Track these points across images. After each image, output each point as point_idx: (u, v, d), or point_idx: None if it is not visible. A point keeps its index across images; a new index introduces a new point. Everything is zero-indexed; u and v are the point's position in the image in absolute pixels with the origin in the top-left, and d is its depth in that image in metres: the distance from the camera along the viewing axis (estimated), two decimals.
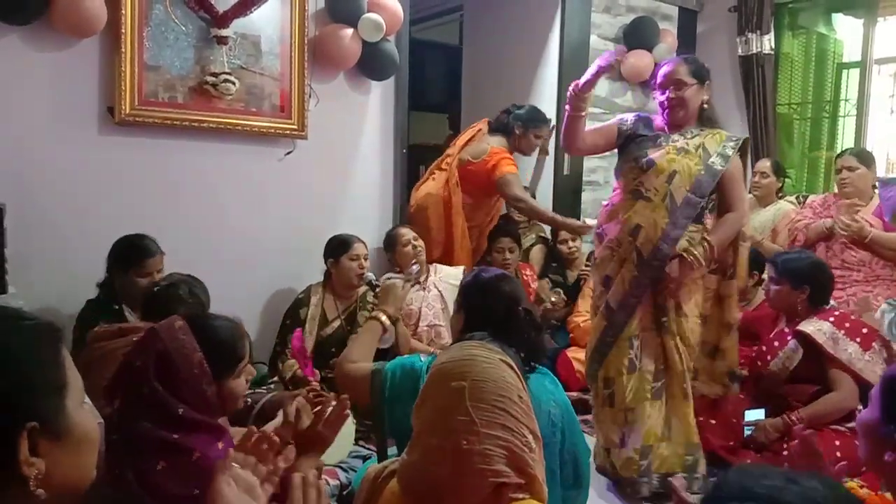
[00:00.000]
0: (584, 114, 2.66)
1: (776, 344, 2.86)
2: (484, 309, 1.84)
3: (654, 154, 2.65)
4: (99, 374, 1.74)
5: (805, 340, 2.73)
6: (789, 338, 2.82)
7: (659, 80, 2.71)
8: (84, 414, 0.92)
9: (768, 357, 2.86)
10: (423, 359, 1.82)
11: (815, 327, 2.72)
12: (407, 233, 3.65)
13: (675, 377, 2.66)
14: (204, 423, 1.48)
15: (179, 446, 1.42)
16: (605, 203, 2.89)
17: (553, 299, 4.03)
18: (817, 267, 2.87)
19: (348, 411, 1.78)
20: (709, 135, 2.69)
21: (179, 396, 1.46)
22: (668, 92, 2.67)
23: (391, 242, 3.65)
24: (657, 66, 2.82)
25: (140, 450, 1.41)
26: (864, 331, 2.74)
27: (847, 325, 2.72)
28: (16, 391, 0.83)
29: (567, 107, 2.65)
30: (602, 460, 2.75)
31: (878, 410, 1.30)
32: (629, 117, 2.82)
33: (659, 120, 2.76)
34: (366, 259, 3.31)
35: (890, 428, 1.24)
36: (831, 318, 2.74)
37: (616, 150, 2.84)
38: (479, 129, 3.99)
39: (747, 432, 2.75)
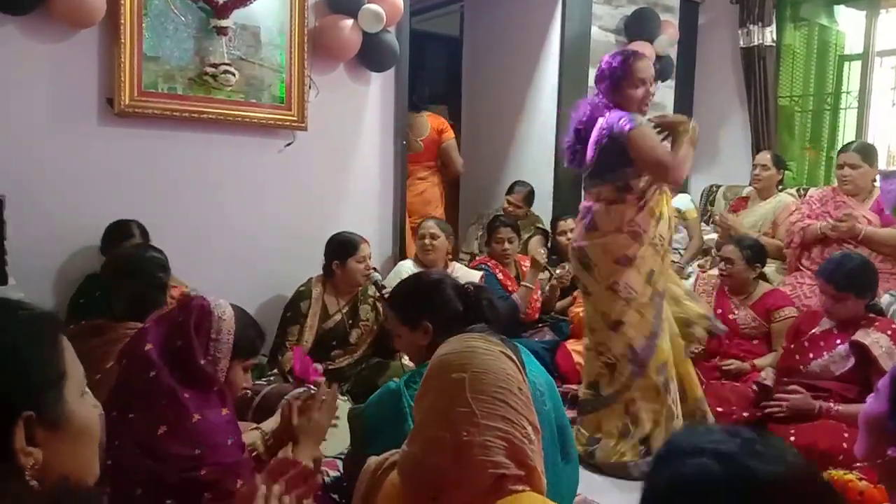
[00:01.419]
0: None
1: (822, 344, 2.78)
2: (448, 311, 1.84)
3: None
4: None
5: (860, 350, 2.66)
6: (838, 342, 2.74)
7: (640, 74, 2.72)
8: (84, 405, 0.91)
9: (810, 355, 2.79)
10: (395, 381, 1.83)
11: (872, 339, 2.63)
12: (427, 227, 3.70)
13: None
14: (215, 382, 1.60)
15: (180, 408, 1.51)
16: (608, 199, 2.75)
17: (558, 272, 4.00)
18: (870, 268, 2.79)
19: (345, 400, 1.80)
20: None
21: (204, 349, 1.60)
22: (648, 87, 2.74)
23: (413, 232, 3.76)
24: (621, 57, 2.77)
25: (141, 418, 1.49)
26: None
27: None
28: (12, 380, 0.82)
29: (687, 146, 2.66)
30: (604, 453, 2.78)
31: (886, 404, 1.29)
32: (625, 122, 2.70)
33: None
34: (370, 258, 3.29)
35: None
36: (889, 331, 2.65)
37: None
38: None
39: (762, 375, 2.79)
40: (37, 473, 0.83)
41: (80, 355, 0.94)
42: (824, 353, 2.76)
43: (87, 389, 0.95)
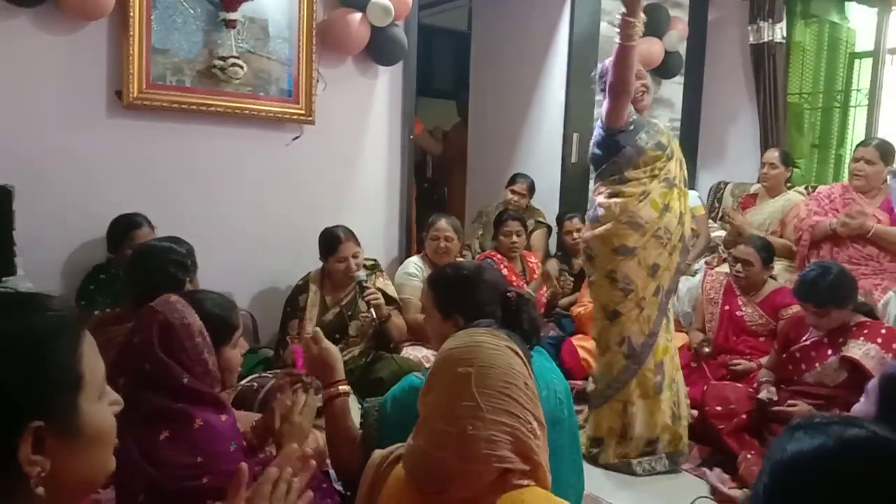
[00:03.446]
0: (635, 43, 2.58)
1: (813, 355, 2.76)
2: (477, 305, 1.78)
3: (662, 140, 2.78)
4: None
5: (852, 364, 2.62)
6: (829, 352, 2.71)
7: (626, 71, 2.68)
8: (100, 410, 0.87)
9: (803, 366, 2.78)
10: (419, 376, 1.74)
11: (862, 351, 2.60)
12: (442, 229, 3.62)
13: None
14: (207, 395, 1.53)
15: (182, 415, 1.46)
16: (615, 194, 2.75)
17: (560, 279, 4.00)
18: (847, 277, 2.73)
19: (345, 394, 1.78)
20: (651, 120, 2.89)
21: (183, 366, 1.51)
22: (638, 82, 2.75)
23: (426, 230, 3.69)
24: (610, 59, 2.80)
25: (142, 420, 1.44)
26: None
27: (894, 345, 2.60)
28: (22, 387, 0.78)
29: (618, 38, 2.57)
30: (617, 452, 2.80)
31: (875, 405, 1.30)
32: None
33: None
34: (355, 256, 3.20)
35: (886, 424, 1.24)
36: (878, 339, 2.61)
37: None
38: None
39: (762, 394, 2.76)
40: (43, 481, 0.78)
41: (98, 345, 0.89)
42: (816, 364, 2.73)
43: (107, 388, 0.90)
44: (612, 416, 2.81)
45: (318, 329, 1.89)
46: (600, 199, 2.80)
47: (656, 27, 4.71)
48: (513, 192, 4.51)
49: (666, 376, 2.80)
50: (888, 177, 3.60)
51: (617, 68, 2.57)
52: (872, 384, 1.34)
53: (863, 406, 1.35)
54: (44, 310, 0.84)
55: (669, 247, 2.76)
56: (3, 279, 2.38)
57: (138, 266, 2.24)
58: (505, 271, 3.86)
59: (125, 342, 1.56)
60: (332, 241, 3.21)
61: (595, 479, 2.66)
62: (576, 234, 4.30)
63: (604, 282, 2.79)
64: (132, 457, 1.42)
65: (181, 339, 1.52)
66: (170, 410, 1.47)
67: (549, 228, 4.59)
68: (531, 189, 4.56)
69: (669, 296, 2.85)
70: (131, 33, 2.96)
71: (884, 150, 3.62)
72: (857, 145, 3.82)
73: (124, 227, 2.90)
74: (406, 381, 1.75)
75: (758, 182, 4.34)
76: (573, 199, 4.63)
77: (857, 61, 4.93)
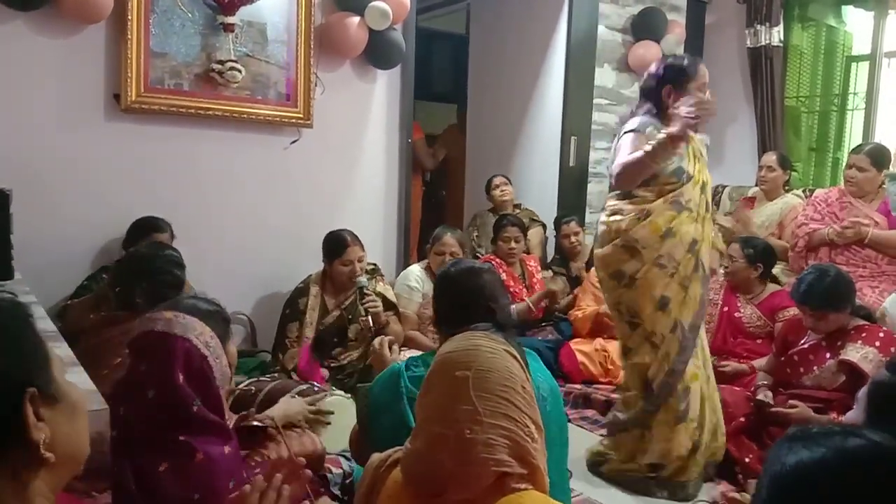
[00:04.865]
0: (659, 163, 2.37)
1: (811, 358, 2.73)
2: (448, 306, 1.85)
3: (683, 164, 2.48)
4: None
5: (850, 368, 2.60)
6: (828, 355, 2.68)
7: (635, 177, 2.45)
8: (70, 383, 0.97)
9: (801, 369, 2.75)
10: (399, 361, 1.86)
11: (860, 355, 2.58)
12: (449, 244, 3.57)
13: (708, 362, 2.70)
14: (213, 423, 1.48)
15: (184, 447, 1.42)
16: (615, 212, 2.53)
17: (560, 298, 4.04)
18: (844, 280, 2.69)
19: (348, 398, 1.81)
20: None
21: (205, 376, 1.47)
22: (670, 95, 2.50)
23: (431, 243, 3.64)
24: (664, 62, 2.65)
25: (142, 450, 1.41)
26: None
27: (893, 349, 2.56)
28: (14, 364, 0.88)
29: (648, 148, 2.32)
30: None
31: (864, 415, 1.30)
32: (643, 127, 2.50)
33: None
34: (360, 261, 3.20)
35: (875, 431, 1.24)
36: (877, 343, 2.58)
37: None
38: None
39: (760, 396, 2.73)
40: (47, 448, 0.87)
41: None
42: (814, 367, 2.71)
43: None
44: (629, 441, 2.64)
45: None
46: (602, 216, 2.59)
47: (654, 30, 4.73)
48: (496, 187, 4.52)
49: (692, 404, 2.53)
50: (886, 180, 3.61)
51: (627, 171, 2.39)
52: (862, 393, 1.34)
53: (854, 414, 1.35)
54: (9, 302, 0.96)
55: (678, 278, 2.44)
56: (1, 283, 2.38)
57: (146, 269, 2.27)
58: (504, 276, 3.86)
59: (127, 371, 1.52)
60: (338, 244, 3.20)
61: (595, 484, 2.65)
62: (573, 238, 4.31)
63: (614, 313, 2.58)
64: (128, 486, 1.39)
65: (202, 351, 1.49)
66: (172, 442, 1.43)
67: (544, 226, 4.60)
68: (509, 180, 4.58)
69: (695, 331, 2.53)
70: (129, 37, 2.96)
71: (875, 156, 3.61)
72: (851, 151, 3.83)
73: (146, 229, 2.93)
74: (389, 367, 1.85)
75: (756, 185, 4.35)
76: (571, 201, 4.64)
77: (853, 65, 4.95)
